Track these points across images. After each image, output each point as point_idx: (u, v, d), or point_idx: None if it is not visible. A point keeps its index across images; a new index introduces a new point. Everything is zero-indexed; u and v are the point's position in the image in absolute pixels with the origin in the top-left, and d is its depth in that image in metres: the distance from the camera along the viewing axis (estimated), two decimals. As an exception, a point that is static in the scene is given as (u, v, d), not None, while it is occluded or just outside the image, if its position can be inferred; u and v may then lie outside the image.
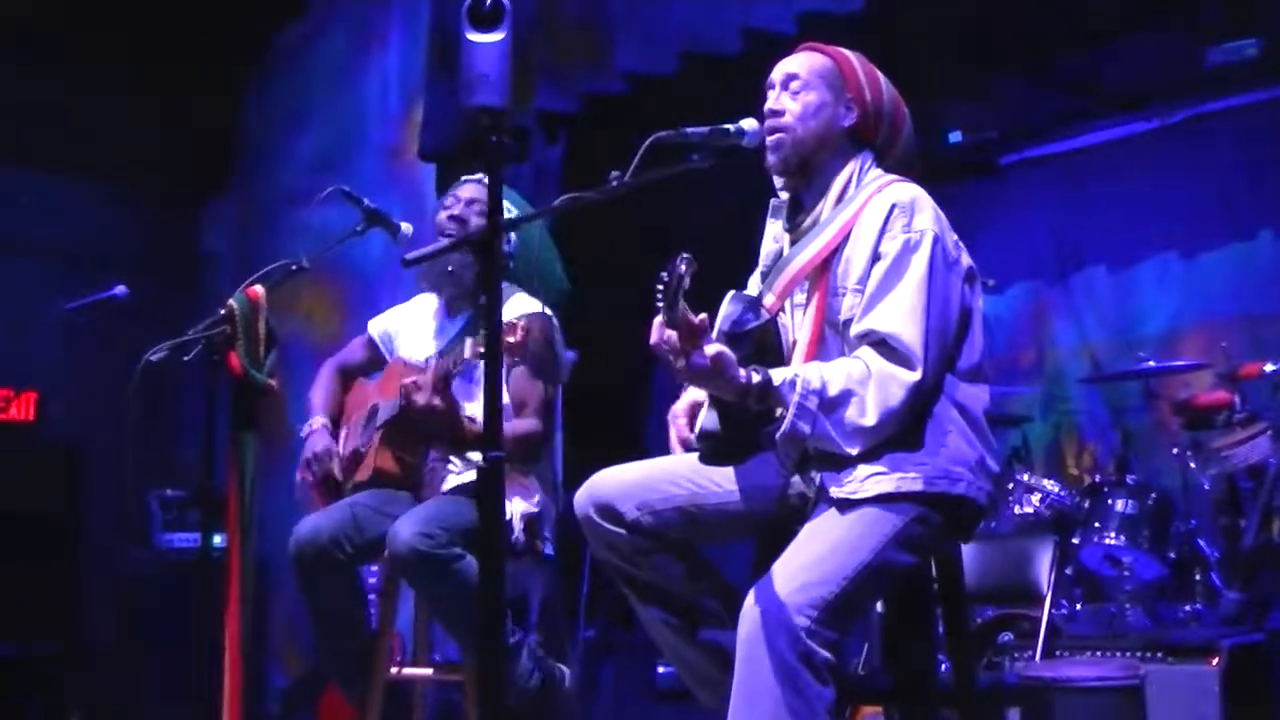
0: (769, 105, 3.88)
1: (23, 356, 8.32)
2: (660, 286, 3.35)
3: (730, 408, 3.72)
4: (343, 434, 5.31)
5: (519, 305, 5.02)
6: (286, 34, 9.50)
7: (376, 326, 5.47)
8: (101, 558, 8.05)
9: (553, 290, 5.24)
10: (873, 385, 3.54)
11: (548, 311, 5.07)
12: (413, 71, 8.34)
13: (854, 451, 3.55)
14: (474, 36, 3.37)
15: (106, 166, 9.08)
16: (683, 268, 3.35)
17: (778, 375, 3.53)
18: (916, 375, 3.55)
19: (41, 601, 7.81)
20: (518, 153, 7.47)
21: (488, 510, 3.33)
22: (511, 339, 4.41)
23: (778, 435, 3.55)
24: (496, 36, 3.38)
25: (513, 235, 5.13)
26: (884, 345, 3.59)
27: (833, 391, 3.52)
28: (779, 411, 3.57)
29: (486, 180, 5.07)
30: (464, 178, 5.30)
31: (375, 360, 5.43)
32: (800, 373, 3.55)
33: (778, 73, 3.92)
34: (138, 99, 9.04)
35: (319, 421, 5.29)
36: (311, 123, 9.14)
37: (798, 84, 3.87)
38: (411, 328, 5.37)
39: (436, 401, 4.77)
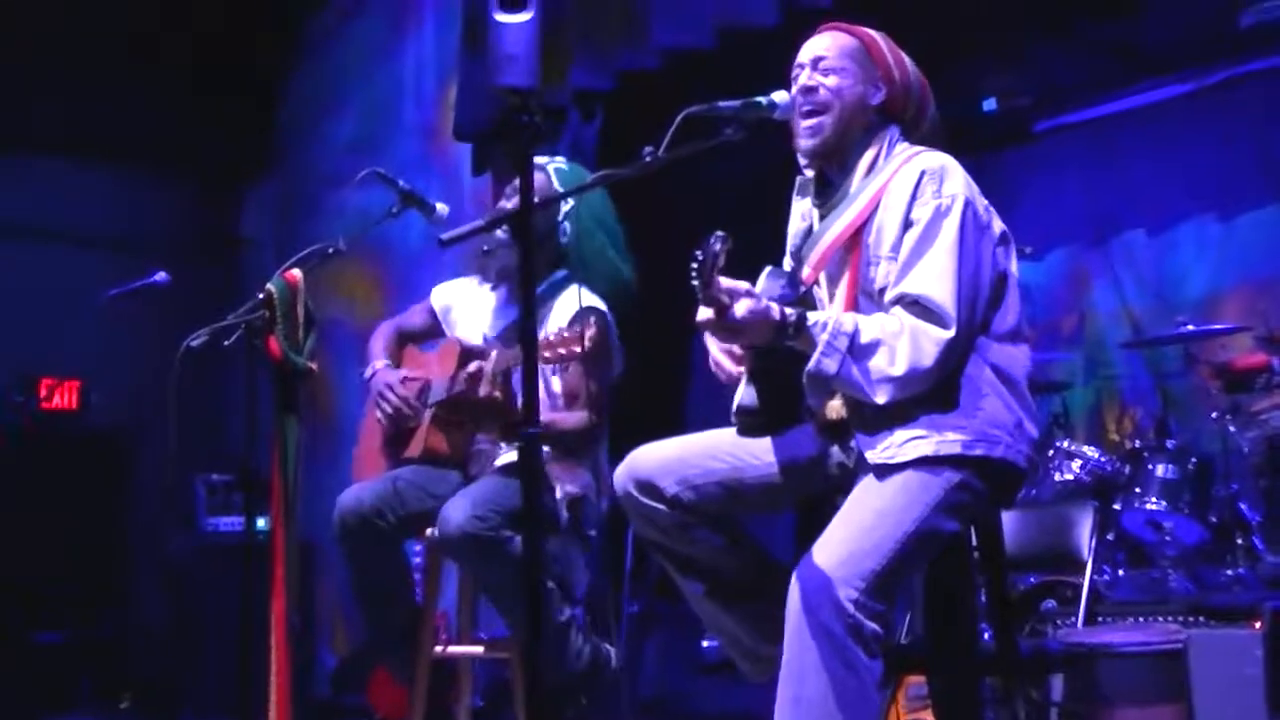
0: (801, 85, 3.88)
1: (65, 345, 8.38)
2: (695, 265, 3.37)
3: (768, 379, 3.75)
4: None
5: (576, 300, 5.02)
6: (322, 16, 9.52)
7: (438, 298, 5.48)
8: (149, 543, 8.11)
9: (610, 280, 5.23)
10: (905, 337, 3.55)
11: (603, 307, 5.08)
12: (447, 52, 8.34)
13: (881, 400, 3.55)
14: (502, 17, 3.39)
15: (146, 153, 9.14)
16: (717, 246, 3.36)
17: (813, 316, 3.55)
18: (950, 333, 3.56)
19: (91, 587, 7.89)
20: (549, 132, 7.46)
21: (526, 487, 3.35)
22: (578, 347, 4.45)
23: (804, 372, 3.56)
24: (524, 17, 3.39)
25: (567, 225, 5.16)
26: (917, 305, 3.61)
27: (864, 339, 3.54)
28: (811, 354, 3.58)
29: (549, 169, 5.14)
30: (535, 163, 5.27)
31: (433, 329, 5.44)
32: (835, 316, 3.58)
33: (805, 54, 3.92)
34: (175, 85, 9.09)
35: (381, 362, 5.30)
36: (348, 105, 9.16)
37: (827, 64, 3.87)
38: (469, 307, 5.38)
39: (497, 394, 4.80)
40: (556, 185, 5.07)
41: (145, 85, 9.03)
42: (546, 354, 4.55)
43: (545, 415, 4.72)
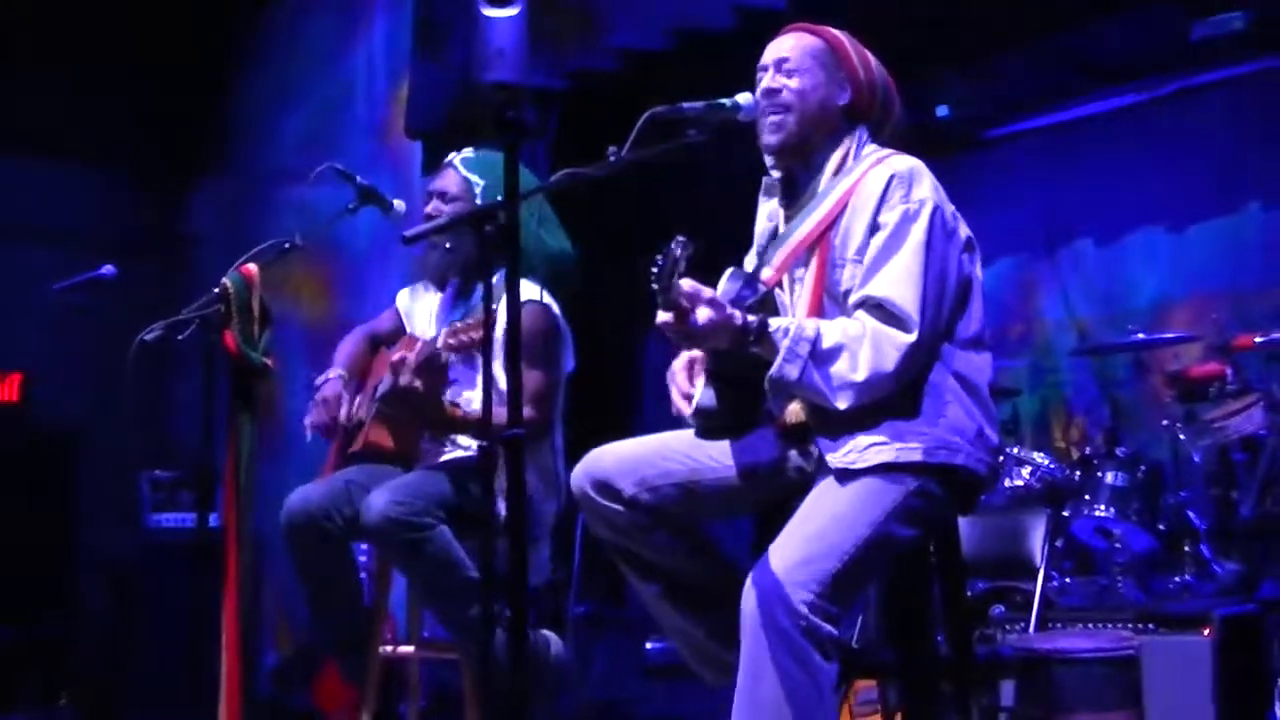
0: (764, 87, 3.86)
1: (9, 338, 8.31)
2: (655, 270, 3.35)
3: (727, 381, 3.74)
4: (357, 400, 5.30)
5: (526, 294, 4.97)
6: (273, 13, 9.49)
7: (402, 301, 5.46)
8: (93, 538, 8.05)
9: (552, 261, 5.18)
10: (867, 342, 3.54)
11: (545, 299, 5.03)
12: (398, 49, 8.32)
13: (842, 405, 3.53)
14: (490, 11, 3.38)
15: (93, 149, 9.08)
16: (678, 251, 3.34)
17: (775, 323, 3.53)
18: (912, 337, 3.55)
19: (34, 584, 7.81)
20: (536, 129, 7.44)
21: (510, 488, 3.33)
22: (478, 334, 4.40)
23: (766, 379, 3.54)
24: (511, 11, 3.38)
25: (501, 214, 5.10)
26: (880, 309, 3.59)
27: (826, 344, 3.52)
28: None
29: (455, 162, 5.14)
30: (446, 161, 5.28)
31: (400, 331, 5.42)
32: (797, 322, 3.56)
33: (769, 55, 3.91)
34: (124, 81, 9.05)
35: (335, 371, 5.26)
36: (299, 102, 9.13)
37: (791, 65, 3.86)
38: (421, 306, 5.35)
39: (416, 383, 4.74)
40: (465, 174, 5.07)
41: (94, 80, 8.97)
42: (451, 342, 4.53)
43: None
